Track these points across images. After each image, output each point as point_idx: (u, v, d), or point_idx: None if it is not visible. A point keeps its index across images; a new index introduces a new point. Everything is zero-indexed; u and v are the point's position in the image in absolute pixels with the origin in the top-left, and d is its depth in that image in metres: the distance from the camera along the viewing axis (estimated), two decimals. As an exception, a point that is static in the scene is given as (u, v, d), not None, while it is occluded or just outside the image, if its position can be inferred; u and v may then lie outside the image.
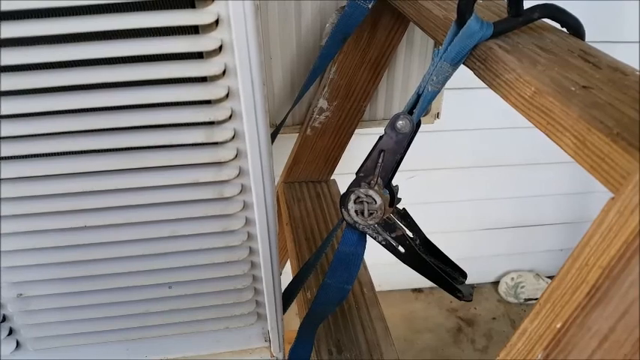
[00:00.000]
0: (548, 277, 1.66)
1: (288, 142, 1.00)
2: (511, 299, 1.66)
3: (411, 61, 0.97)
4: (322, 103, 0.90)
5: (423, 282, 1.64)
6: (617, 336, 0.31)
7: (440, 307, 1.63)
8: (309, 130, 0.94)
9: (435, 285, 0.51)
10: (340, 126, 0.94)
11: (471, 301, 0.52)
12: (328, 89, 0.89)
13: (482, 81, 0.45)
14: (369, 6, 0.73)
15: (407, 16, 0.63)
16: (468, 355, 1.50)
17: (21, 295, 0.51)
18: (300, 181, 1.02)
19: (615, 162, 0.30)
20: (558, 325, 0.33)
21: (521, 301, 1.65)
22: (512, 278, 1.66)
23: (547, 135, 0.37)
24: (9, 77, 0.39)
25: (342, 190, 0.51)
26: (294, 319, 0.92)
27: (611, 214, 0.29)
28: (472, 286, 0.53)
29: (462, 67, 0.47)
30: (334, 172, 1.02)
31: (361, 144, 0.76)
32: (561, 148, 0.35)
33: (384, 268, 1.05)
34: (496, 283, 1.69)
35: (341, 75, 0.87)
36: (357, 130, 0.96)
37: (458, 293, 0.52)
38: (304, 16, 0.89)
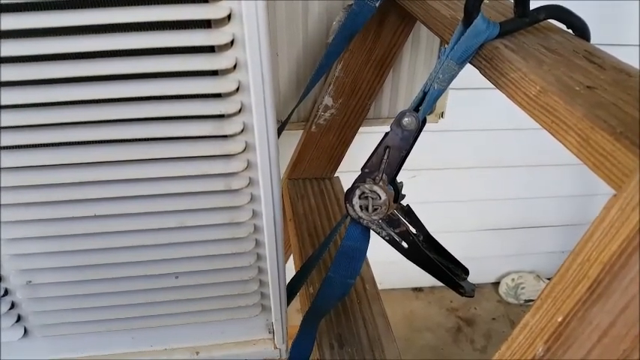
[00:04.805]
0: (549, 279, 1.66)
1: (292, 139, 1.01)
2: (511, 300, 1.66)
3: (417, 60, 0.98)
4: (327, 100, 0.91)
5: (424, 281, 1.65)
6: (617, 331, 0.32)
7: (440, 306, 1.63)
8: (313, 127, 0.95)
9: (436, 284, 0.52)
10: (345, 123, 0.95)
11: (473, 297, 0.53)
12: (334, 87, 0.89)
13: (488, 80, 0.46)
14: (377, 5, 0.73)
15: (414, 16, 0.64)
16: (468, 354, 1.50)
17: (30, 282, 0.52)
18: (304, 177, 1.02)
19: (618, 160, 0.30)
20: (559, 319, 0.33)
21: (521, 302, 1.66)
22: (513, 279, 1.66)
23: (551, 133, 0.37)
24: (31, 67, 0.40)
25: (346, 187, 0.52)
26: (295, 314, 0.92)
27: (613, 211, 0.29)
28: (474, 284, 0.54)
29: (467, 68, 0.48)
30: (338, 169, 1.03)
31: (365, 142, 0.76)
32: (565, 146, 0.36)
33: (384, 266, 1.06)
34: (496, 284, 1.70)
35: (347, 73, 0.88)
36: (361, 128, 0.97)
37: (460, 289, 0.52)
38: (311, 14, 0.89)
